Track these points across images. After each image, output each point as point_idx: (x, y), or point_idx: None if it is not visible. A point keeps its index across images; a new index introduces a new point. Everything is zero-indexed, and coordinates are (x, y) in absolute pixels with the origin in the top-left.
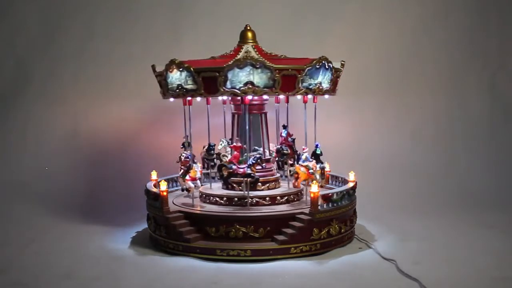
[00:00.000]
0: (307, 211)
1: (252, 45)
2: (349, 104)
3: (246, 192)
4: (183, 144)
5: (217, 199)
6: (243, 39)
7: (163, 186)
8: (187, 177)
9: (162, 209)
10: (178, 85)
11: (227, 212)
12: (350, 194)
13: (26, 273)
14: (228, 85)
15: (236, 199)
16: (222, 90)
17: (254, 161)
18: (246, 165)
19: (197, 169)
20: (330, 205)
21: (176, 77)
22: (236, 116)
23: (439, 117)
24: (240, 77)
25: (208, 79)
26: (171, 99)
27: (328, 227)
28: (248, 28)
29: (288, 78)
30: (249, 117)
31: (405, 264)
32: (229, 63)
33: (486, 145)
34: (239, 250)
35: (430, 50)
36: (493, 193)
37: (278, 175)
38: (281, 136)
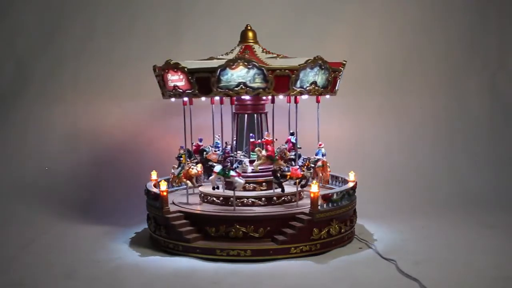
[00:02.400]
0: (307, 211)
1: (259, 46)
2: (349, 104)
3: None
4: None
5: (252, 200)
6: (243, 39)
7: (163, 186)
8: (233, 173)
9: (162, 209)
10: (240, 83)
11: (227, 212)
12: (350, 194)
13: (26, 273)
14: (298, 84)
15: (275, 198)
16: (292, 89)
17: (303, 162)
18: (298, 166)
19: (247, 163)
20: (330, 205)
21: (240, 74)
22: (245, 116)
23: (439, 117)
24: (309, 76)
25: (281, 77)
26: (227, 97)
27: (328, 227)
28: (249, 28)
29: (335, 79)
30: (258, 116)
31: (405, 264)
32: (303, 63)
33: (486, 145)
34: (239, 250)
35: (430, 50)
36: (493, 193)
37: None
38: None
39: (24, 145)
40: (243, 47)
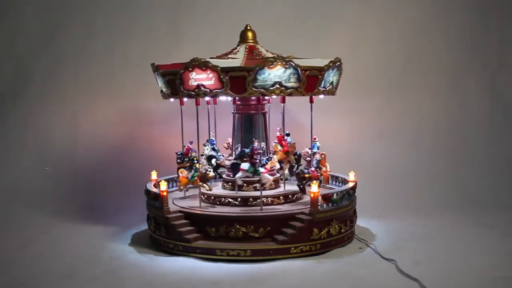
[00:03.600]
0: (307, 211)
1: (261, 46)
2: (349, 104)
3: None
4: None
5: (272, 199)
6: (243, 39)
7: (163, 186)
8: (263, 169)
9: (162, 209)
10: (276, 82)
11: (227, 212)
12: (350, 194)
13: (26, 273)
14: (322, 84)
15: (290, 196)
16: (318, 89)
17: (318, 163)
18: (314, 168)
19: (275, 159)
20: (330, 205)
21: (277, 74)
22: (246, 116)
23: (439, 117)
24: (330, 77)
25: (311, 77)
26: (268, 97)
27: (328, 227)
28: (248, 28)
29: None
30: (257, 116)
31: (405, 264)
32: (328, 63)
33: (486, 145)
34: (239, 250)
35: (430, 50)
36: (493, 193)
37: (278, 175)
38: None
39: (24, 145)
40: (247, 47)
